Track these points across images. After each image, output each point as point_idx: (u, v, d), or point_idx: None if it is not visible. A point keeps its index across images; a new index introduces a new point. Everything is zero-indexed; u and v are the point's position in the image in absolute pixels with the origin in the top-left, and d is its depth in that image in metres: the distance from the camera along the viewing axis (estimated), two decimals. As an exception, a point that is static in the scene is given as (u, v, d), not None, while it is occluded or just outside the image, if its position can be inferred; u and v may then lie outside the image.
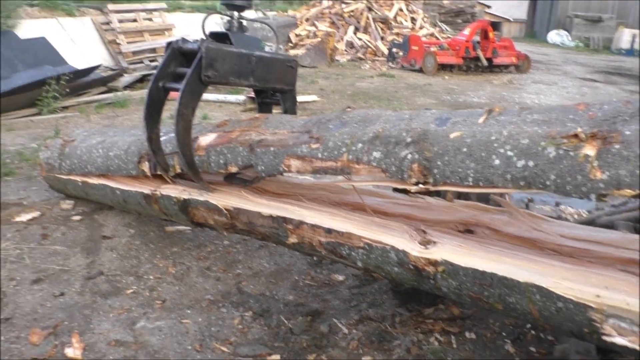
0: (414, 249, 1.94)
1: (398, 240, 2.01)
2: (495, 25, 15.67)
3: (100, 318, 2.64)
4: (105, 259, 3.23)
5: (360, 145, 2.03)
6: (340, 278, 3.09)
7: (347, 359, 2.38)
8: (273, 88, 2.83)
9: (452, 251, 1.89)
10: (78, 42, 10.93)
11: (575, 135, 1.55)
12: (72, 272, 3.07)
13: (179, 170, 2.77)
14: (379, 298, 2.87)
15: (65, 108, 7.60)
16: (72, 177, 3.56)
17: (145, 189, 3.03)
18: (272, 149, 2.35)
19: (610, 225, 2.85)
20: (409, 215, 2.32)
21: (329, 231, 2.21)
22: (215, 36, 2.67)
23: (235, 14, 2.76)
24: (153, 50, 11.94)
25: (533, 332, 2.54)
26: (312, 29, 16.67)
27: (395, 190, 2.56)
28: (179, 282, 3.01)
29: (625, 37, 25.36)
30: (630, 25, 28.50)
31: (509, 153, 1.66)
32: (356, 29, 16.83)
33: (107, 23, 11.84)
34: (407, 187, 1.90)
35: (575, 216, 3.85)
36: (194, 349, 2.43)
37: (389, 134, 1.98)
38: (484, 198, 2.68)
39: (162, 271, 3.12)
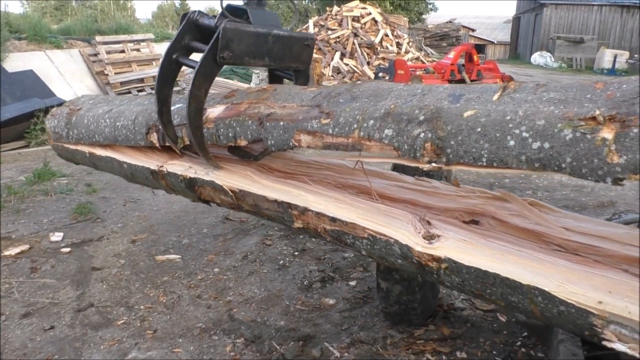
0: (418, 244, 1.91)
1: (401, 233, 1.98)
2: (480, 48, 15.95)
3: (91, 350, 2.62)
4: (96, 291, 3.22)
5: (371, 122, 1.99)
6: (331, 302, 3.09)
7: (339, 384, 2.38)
8: (288, 67, 2.72)
9: (455, 248, 1.86)
10: (66, 74, 11.00)
11: (593, 118, 1.49)
12: (62, 304, 3.05)
13: (187, 142, 2.72)
14: (369, 321, 2.88)
15: (54, 140, 7.61)
16: (79, 148, 3.50)
17: (152, 164, 2.98)
18: (281, 123, 2.30)
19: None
20: (414, 201, 2.30)
21: (333, 220, 2.18)
22: (232, 10, 2.50)
23: None
24: (141, 80, 12.03)
25: (524, 349, 2.56)
26: (299, 55, 16.84)
27: (399, 170, 2.54)
28: (169, 311, 3.00)
29: (606, 57, 25.85)
30: (611, 45, 29.15)
31: (525, 134, 1.63)
32: (342, 55, 17.05)
33: (95, 55, 11.93)
34: (420, 166, 1.86)
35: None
36: (185, 378, 2.42)
37: (400, 111, 1.93)
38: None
39: (152, 301, 3.11)
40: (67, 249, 3.82)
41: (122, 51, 12.54)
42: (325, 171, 2.64)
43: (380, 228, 2.03)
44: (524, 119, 1.65)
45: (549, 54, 29.14)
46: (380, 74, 14.54)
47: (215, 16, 2.43)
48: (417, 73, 13.65)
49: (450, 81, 13.71)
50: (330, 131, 2.10)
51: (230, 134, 2.53)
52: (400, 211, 2.13)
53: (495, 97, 1.83)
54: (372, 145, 1.99)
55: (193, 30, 2.50)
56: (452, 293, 3.11)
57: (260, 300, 3.14)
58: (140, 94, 11.30)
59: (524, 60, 32.13)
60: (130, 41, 12.91)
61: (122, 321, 2.89)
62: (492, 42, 43.93)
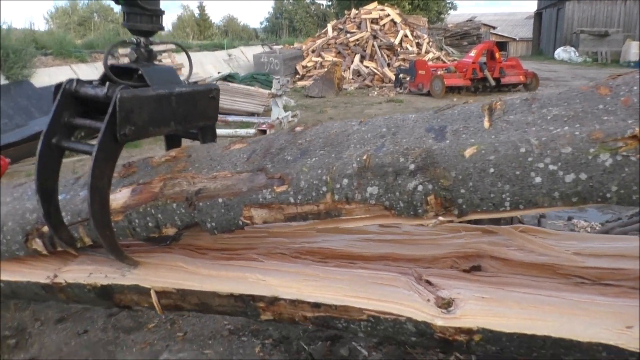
0: (436, 316, 1.60)
1: (410, 306, 1.66)
2: (502, 45, 15.79)
3: (124, 353, 2.68)
4: (126, 295, 3.29)
5: (346, 180, 1.64)
6: (358, 302, 3.10)
7: (368, 382, 2.38)
8: (195, 127, 2.27)
9: (482, 311, 1.57)
10: (91, 87, 11.26)
11: (634, 137, 1.30)
12: (94, 310, 3.12)
13: (89, 243, 2.15)
14: (397, 319, 2.88)
15: (82, 151, 7.78)
16: None
17: (41, 275, 2.28)
18: (220, 200, 1.84)
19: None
20: (393, 255, 1.97)
21: (316, 305, 1.79)
22: (118, 71, 2.00)
23: (142, 40, 2.11)
24: (164, 90, 12.23)
25: None
26: (319, 59, 16.98)
27: None
28: (198, 314, 3.05)
29: (632, 50, 25.37)
30: (637, 37, 28.60)
31: (552, 167, 1.38)
32: (362, 57, 17.09)
33: (119, 66, 12.17)
34: (424, 223, 1.59)
35: (589, 229, 3.84)
36: (216, 378, 2.46)
37: (380, 162, 1.61)
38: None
39: (182, 304, 3.16)
40: (98, 256, 3.91)
41: (145, 62, 12.76)
42: (271, 238, 2.21)
43: (382, 305, 1.70)
44: (544, 149, 1.40)
45: (572, 48, 28.71)
46: (401, 75, 14.54)
47: (99, 84, 1.94)
48: (439, 73, 13.60)
49: (472, 80, 13.64)
50: (292, 200, 1.73)
51: (150, 224, 2.01)
52: (389, 275, 1.81)
53: (486, 123, 1.58)
54: (354, 207, 1.67)
55: (73, 104, 1.98)
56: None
57: (288, 301, 3.16)
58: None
59: (548, 56, 31.71)
60: (152, 52, 13.13)
61: (153, 324, 2.94)
62: (514, 39, 43.49)
